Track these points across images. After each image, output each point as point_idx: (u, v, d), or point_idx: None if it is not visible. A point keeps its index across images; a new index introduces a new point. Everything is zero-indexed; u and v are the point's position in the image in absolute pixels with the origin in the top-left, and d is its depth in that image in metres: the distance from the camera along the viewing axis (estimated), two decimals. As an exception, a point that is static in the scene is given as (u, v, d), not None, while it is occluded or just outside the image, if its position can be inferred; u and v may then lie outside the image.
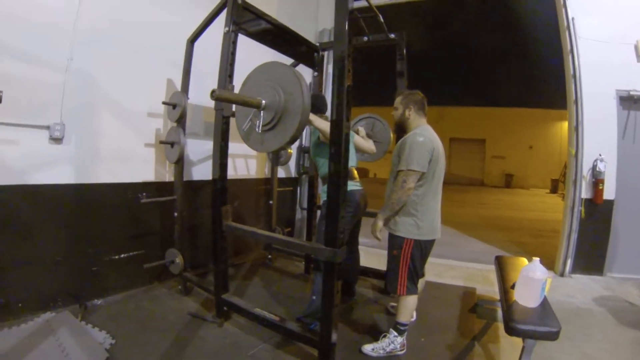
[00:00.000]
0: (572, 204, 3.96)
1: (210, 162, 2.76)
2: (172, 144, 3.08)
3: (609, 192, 3.86)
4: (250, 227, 2.79)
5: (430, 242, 2.37)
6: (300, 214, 5.13)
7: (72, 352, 2.09)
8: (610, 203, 3.89)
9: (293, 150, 4.71)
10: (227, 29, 2.51)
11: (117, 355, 2.16)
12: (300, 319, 2.57)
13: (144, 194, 3.14)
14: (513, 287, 2.20)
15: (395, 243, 2.33)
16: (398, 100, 2.45)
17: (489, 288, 3.56)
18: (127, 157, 3.08)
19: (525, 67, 11.70)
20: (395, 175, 2.30)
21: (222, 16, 2.63)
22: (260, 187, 4.57)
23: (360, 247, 3.16)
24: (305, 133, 4.51)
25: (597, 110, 3.88)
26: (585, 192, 3.92)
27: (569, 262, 3.93)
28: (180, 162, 3.11)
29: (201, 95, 2.81)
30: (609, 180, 3.85)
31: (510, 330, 1.88)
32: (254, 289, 3.42)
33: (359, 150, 3.04)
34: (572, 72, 3.94)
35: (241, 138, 2.36)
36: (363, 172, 15.93)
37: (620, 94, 3.86)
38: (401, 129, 2.47)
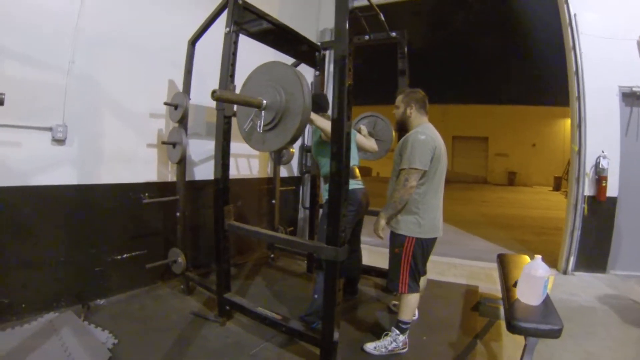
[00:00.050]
0: (575, 201, 3.94)
1: (212, 162, 2.78)
2: (174, 145, 3.09)
3: (612, 189, 3.83)
4: (252, 227, 2.81)
5: (432, 240, 2.36)
6: (302, 213, 5.13)
7: (75, 352, 2.10)
8: (613, 200, 3.86)
9: (295, 149, 4.72)
10: (228, 29, 2.51)
11: (120, 355, 2.17)
12: (303, 318, 2.57)
13: (146, 194, 3.16)
14: (515, 285, 2.20)
15: (397, 241, 2.33)
16: (399, 98, 2.45)
17: (491, 286, 3.54)
18: (129, 158, 3.10)
19: (527, 64, 11.64)
20: (398, 173, 2.30)
21: (223, 17, 2.63)
22: (263, 187, 4.58)
23: (362, 245, 3.16)
24: (307, 132, 4.51)
25: (600, 107, 3.85)
26: (588, 190, 3.89)
27: (572, 260, 3.91)
28: (182, 163, 3.12)
29: (203, 95, 2.82)
30: (612, 177, 3.81)
31: (513, 328, 1.87)
32: (256, 289, 3.43)
33: (361, 148, 3.04)
34: (574, 68, 3.91)
35: (243, 138, 2.36)
36: (366, 171, 15.90)
37: (622, 90, 3.83)
38: (403, 127, 2.46)
